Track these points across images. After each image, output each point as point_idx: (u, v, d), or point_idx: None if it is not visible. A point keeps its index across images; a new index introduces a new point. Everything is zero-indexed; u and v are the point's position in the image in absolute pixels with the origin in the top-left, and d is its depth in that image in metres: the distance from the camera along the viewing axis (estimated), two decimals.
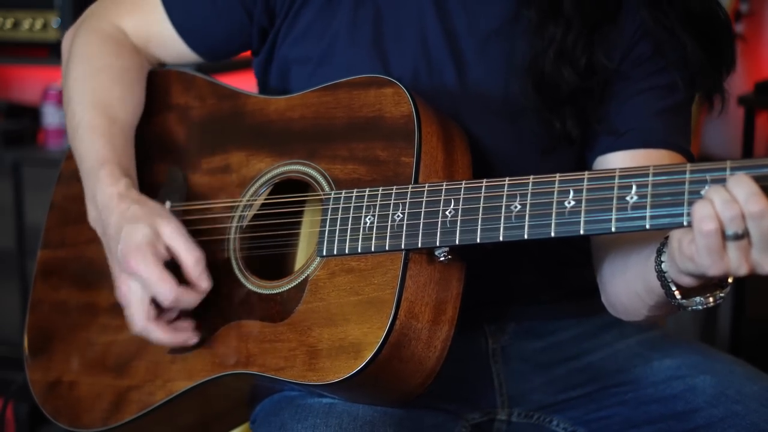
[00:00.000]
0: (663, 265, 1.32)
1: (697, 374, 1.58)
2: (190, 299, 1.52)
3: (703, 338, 3.39)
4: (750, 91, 3.48)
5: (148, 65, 1.77)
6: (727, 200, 1.19)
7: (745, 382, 1.55)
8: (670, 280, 1.32)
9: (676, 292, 1.33)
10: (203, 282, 1.52)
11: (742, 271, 1.20)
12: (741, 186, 1.18)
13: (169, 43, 1.75)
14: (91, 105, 1.67)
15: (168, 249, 1.52)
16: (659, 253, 1.33)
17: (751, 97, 3.47)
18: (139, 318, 1.52)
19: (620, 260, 1.49)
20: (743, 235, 1.19)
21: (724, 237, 1.20)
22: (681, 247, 1.25)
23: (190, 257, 1.52)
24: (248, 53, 1.78)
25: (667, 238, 1.31)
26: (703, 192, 1.22)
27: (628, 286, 1.47)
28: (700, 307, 1.33)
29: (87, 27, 1.76)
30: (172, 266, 1.52)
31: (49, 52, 3.83)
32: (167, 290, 1.49)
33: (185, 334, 1.54)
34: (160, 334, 1.52)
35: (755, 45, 3.74)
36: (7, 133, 3.90)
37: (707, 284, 1.30)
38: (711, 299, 1.33)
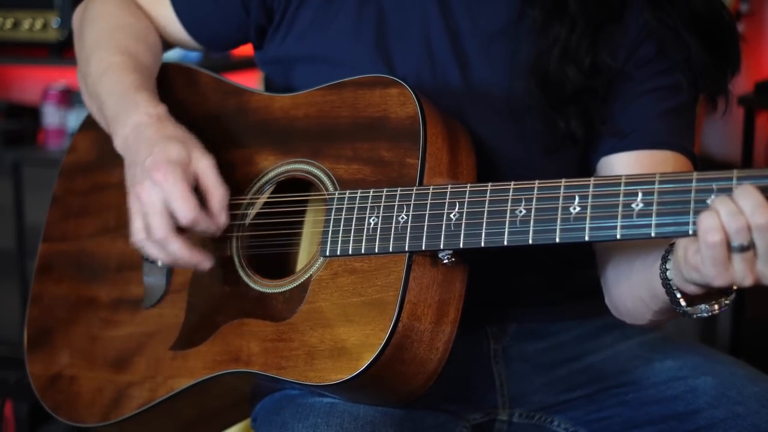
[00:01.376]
0: (668, 273, 1.32)
1: (698, 375, 1.58)
2: (207, 226, 1.49)
3: (703, 339, 3.38)
4: (750, 91, 3.48)
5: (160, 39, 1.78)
6: (733, 212, 1.19)
7: (746, 383, 1.55)
8: (675, 288, 1.32)
9: (681, 300, 1.33)
10: (223, 217, 1.50)
11: (747, 282, 1.21)
12: (747, 197, 1.18)
13: (171, 27, 1.76)
14: (117, 51, 1.67)
15: (197, 179, 1.50)
16: (664, 260, 1.33)
17: (751, 97, 3.47)
18: (161, 226, 1.47)
19: (625, 264, 1.49)
20: (749, 247, 1.19)
21: (730, 248, 1.20)
22: (686, 257, 1.25)
23: (219, 192, 1.49)
24: (250, 53, 1.78)
25: (672, 245, 1.31)
26: (709, 201, 1.22)
27: (632, 290, 1.47)
28: (705, 315, 1.33)
29: None
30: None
31: (49, 52, 3.84)
32: (189, 208, 1.46)
33: (203, 256, 1.51)
34: (180, 247, 1.48)
35: (755, 45, 3.74)
36: (7, 133, 3.90)
37: (712, 292, 1.30)
38: (716, 306, 1.33)
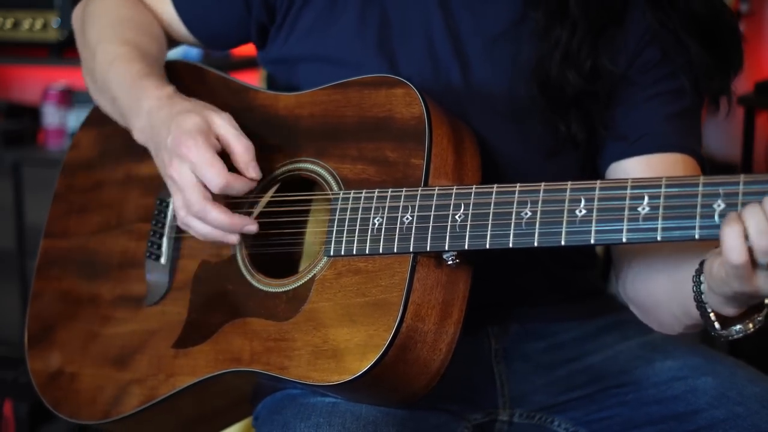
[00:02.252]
0: (703, 297, 1.31)
1: (698, 376, 1.58)
2: (240, 186, 1.49)
3: (703, 340, 3.37)
4: (750, 91, 3.49)
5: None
6: (763, 231, 1.16)
7: (747, 383, 1.55)
8: (710, 311, 1.31)
9: (716, 323, 1.32)
10: (252, 171, 1.50)
11: None
12: None
13: (173, 24, 1.77)
14: (121, 43, 1.67)
15: (219, 139, 1.50)
16: (697, 283, 1.32)
17: (751, 97, 3.48)
18: (197, 198, 1.47)
19: (647, 275, 1.49)
20: None
21: (755, 264, 1.18)
22: (711, 272, 1.24)
23: (240, 145, 1.49)
24: (251, 51, 1.78)
25: (702, 264, 1.30)
26: (715, 206, 1.21)
27: (659, 303, 1.47)
28: (740, 335, 1.32)
29: None
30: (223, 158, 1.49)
31: (49, 52, 3.84)
32: (217, 173, 1.46)
33: (245, 220, 1.50)
34: (218, 214, 1.48)
35: (755, 45, 3.74)
36: (7, 133, 3.90)
37: (747, 311, 1.30)
38: (750, 325, 1.32)
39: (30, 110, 4.03)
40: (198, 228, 1.51)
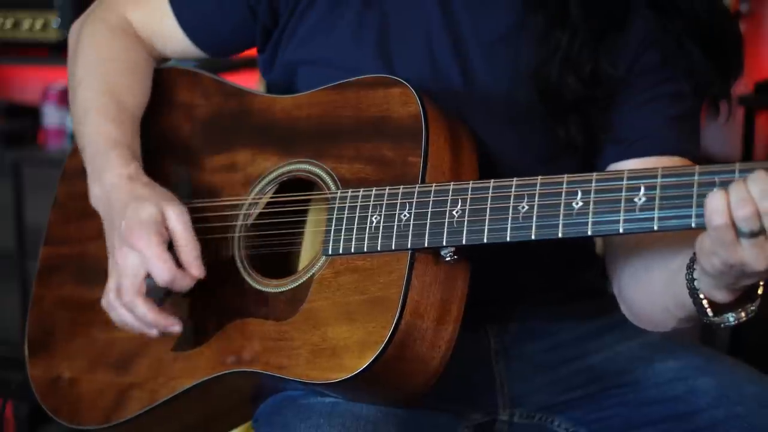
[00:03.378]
0: (695, 283, 1.32)
1: (698, 376, 1.58)
2: (185, 283, 1.52)
3: (703, 340, 3.38)
4: (750, 91, 3.48)
5: (153, 60, 1.77)
6: (741, 198, 1.19)
7: (746, 383, 1.55)
8: (702, 297, 1.32)
9: (708, 310, 1.33)
10: (195, 269, 1.52)
11: (761, 265, 1.20)
12: (758, 183, 1.18)
13: (174, 39, 1.75)
14: (100, 91, 1.68)
15: (168, 231, 1.52)
16: (690, 269, 1.33)
17: (751, 97, 3.47)
18: (130, 289, 1.51)
19: (643, 273, 1.49)
20: (759, 233, 1.19)
21: (736, 231, 1.19)
22: (702, 246, 1.25)
23: (188, 243, 1.52)
24: (252, 52, 1.78)
25: (695, 253, 1.30)
26: (712, 191, 1.22)
27: (654, 299, 1.47)
28: (732, 323, 1.33)
29: (95, 17, 1.78)
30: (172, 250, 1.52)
31: (49, 52, 3.84)
32: (165, 269, 1.49)
33: (170, 321, 1.53)
34: (145, 310, 1.51)
35: (755, 45, 3.74)
36: (7, 133, 3.90)
37: (740, 298, 1.30)
38: (743, 313, 1.32)
39: (30, 110, 4.03)
40: (121, 315, 1.54)
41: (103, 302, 1.57)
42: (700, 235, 1.26)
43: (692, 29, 1.54)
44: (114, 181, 1.57)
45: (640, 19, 1.56)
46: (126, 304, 1.53)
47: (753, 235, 1.19)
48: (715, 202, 1.20)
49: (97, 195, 1.61)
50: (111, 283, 1.55)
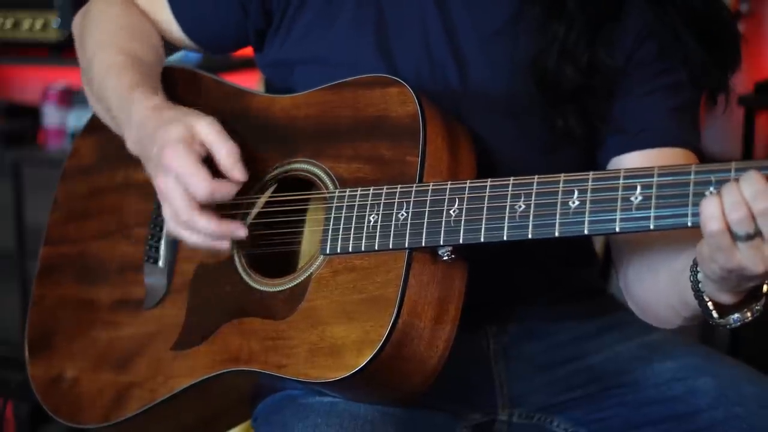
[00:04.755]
0: (700, 285, 1.32)
1: (697, 376, 1.58)
2: (226, 191, 1.48)
3: (702, 340, 3.38)
4: (750, 91, 3.48)
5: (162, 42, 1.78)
6: (735, 202, 1.19)
7: (746, 384, 1.55)
8: (708, 300, 1.32)
9: (714, 312, 1.33)
10: (237, 173, 1.49)
11: (760, 268, 1.20)
12: (750, 185, 1.18)
13: (171, 30, 1.77)
14: (115, 53, 1.67)
15: (203, 146, 1.50)
16: (694, 271, 1.33)
17: (751, 97, 3.47)
18: (183, 208, 1.48)
19: (647, 270, 1.49)
20: (755, 235, 1.19)
21: (733, 236, 1.20)
22: (702, 252, 1.25)
23: (224, 149, 1.49)
24: (250, 52, 1.78)
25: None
26: (707, 193, 1.22)
27: (659, 297, 1.47)
28: (737, 324, 1.33)
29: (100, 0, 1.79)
30: (209, 165, 1.49)
31: (49, 52, 3.85)
32: (201, 182, 1.46)
33: (233, 225, 1.50)
34: (206, 222, 1.48)
35: (755, 45, 3.74)
36: (7, 133, 3.90)
37: (744, 299, 1.30)
38: (748, 314, 1.32)
39: (30, 110, 4.03)
40: (187, 237, 1.51)
41: (169, 233, 1.54)
42: (699, 243, 1.26)
43: (687, 20, 1.54)
44: (140, 116, 1.55)
45: (637, 10, 1.56)
46: (185, 224, 1.49)
47: (749, 237, 1.19)
48: (710, 208, 1.20)
49: (132, 139, 1.58)
50: (166, 212, 1.51)
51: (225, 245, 1.52)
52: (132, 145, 1.59)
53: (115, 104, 1.63)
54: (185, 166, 1.46)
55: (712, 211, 1.20)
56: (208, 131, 1.50)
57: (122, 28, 1.72)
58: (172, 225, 1.51)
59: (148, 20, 1.77)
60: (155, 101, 1.57)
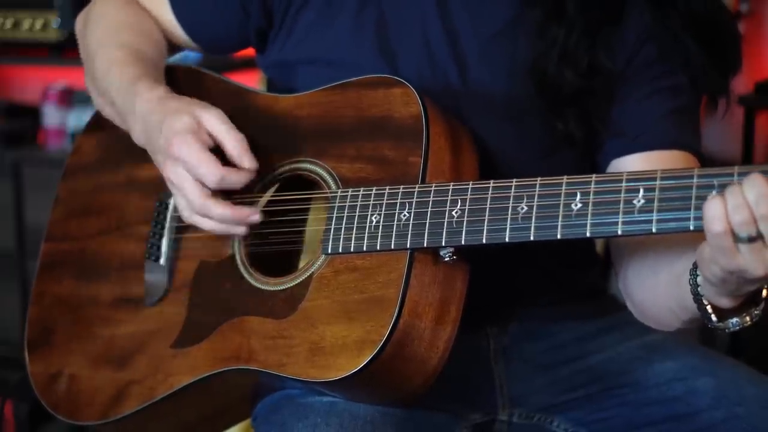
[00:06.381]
0: (699, 289, 1.32)
1: (698, 376, 1.58)
2: (236, 178, 1.49)
3: (703, 340, 3.38)
4: (750, 91, 3.48)
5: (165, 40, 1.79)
6: (738, 204, 1.19)
7: (746, 384, 1.56)
8: (707, 303, 1.33)
9: (712, 315, 1.33)
10: (246, 161, 1.50)
11: (760, 271, 1.21)
12: (753, 188, 1.19)
13: (173, 30, 1.77)
14: (120, 46, 1.68)
15: (210, 135, 1.50)
16: (693, 274, 1.33)
17: (751, 97, 3.47)
18: (196, 197, 1.48)
19: (647, 273, 1.49)
20: (756, 238, 1.19)
21: (735, 238, 1.20)
22: (702, 254, 1.25)
23: (231, 138, 1.50)
24: (250, 52, 1.78)
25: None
26: (710, 197, 1.22)
27: (658, 300, 1.48)
28: (736, 328, 1.33)
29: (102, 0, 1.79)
30: (217, 155, 1.50)
31: (49, 52, 3.85)
32: (211, 170, 1.47)
33: (248, 211, 1.51)
34: (221, 209, 1.49)
35: (755, 45, 3.73)
36: (7, 133, 3.90)
37: (744, 303, 1.31)
38: (747, 318, 1.33)
39: (30, 110, 4.03)
40: (204, 225, 1.52)
41: (186, 220, 1.54)
42: (700, 245, 1.26)
43: (688, 23, 1.54)
44: (145, 107, 1.56)
45: (637, 13, 1.56)
46: (200, 212, 1.50)
47: (751, 240, 1.19)
48: (714, 209, 1.20)
49: (138, 130, 1.59)
50: (180, 203, 1.52)
51: (241, 230, 1.52)
52: (138, 136, 1.60)
53: (119, 97, 1.63)
54: (193, 154, 1.47)
55: (715, 212, 1.20)
56: (215, 121, 1.51)
57: (124, 25, 1.73)
58: (186, 214, 1.52)
59: (150, 18, 1.77)
60: (159, 92, 1.57)
